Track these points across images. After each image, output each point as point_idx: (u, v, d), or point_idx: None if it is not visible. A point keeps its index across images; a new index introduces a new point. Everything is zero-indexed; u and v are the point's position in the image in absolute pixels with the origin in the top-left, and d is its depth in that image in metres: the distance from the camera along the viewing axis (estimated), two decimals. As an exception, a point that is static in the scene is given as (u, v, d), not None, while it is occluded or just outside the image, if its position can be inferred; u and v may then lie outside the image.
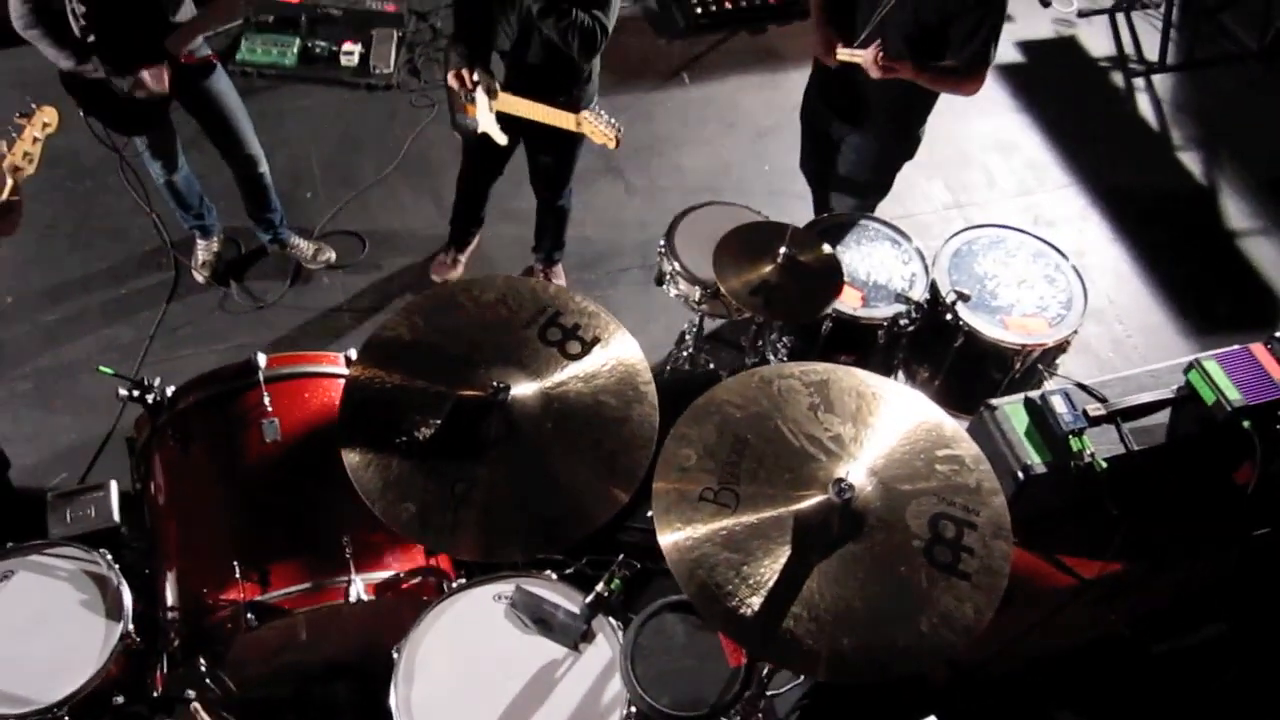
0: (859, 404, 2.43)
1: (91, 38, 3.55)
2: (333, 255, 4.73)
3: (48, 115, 3.01)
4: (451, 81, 3.79)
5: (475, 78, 3.72)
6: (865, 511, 2.27)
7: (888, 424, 2.41)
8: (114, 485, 3.30)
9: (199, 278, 4.56)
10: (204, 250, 4.58)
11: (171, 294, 4.55)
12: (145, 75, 3.59)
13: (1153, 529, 3.19)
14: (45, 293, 4.52)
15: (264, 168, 4.26)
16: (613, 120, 3.62)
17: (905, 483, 2.31)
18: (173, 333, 4.42)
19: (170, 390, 3.00)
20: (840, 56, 3.65)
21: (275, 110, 5.31)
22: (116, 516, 3.20)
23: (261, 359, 2.95)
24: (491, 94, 3.75)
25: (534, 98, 3.70)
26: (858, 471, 2.31)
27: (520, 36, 3.70)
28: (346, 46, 5.50)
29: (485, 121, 3.88)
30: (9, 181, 2.95)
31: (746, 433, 2.37)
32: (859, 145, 4.08)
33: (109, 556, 2.66)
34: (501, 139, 3.88)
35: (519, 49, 3.74)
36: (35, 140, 2.97)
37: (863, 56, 3.56)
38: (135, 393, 2.91)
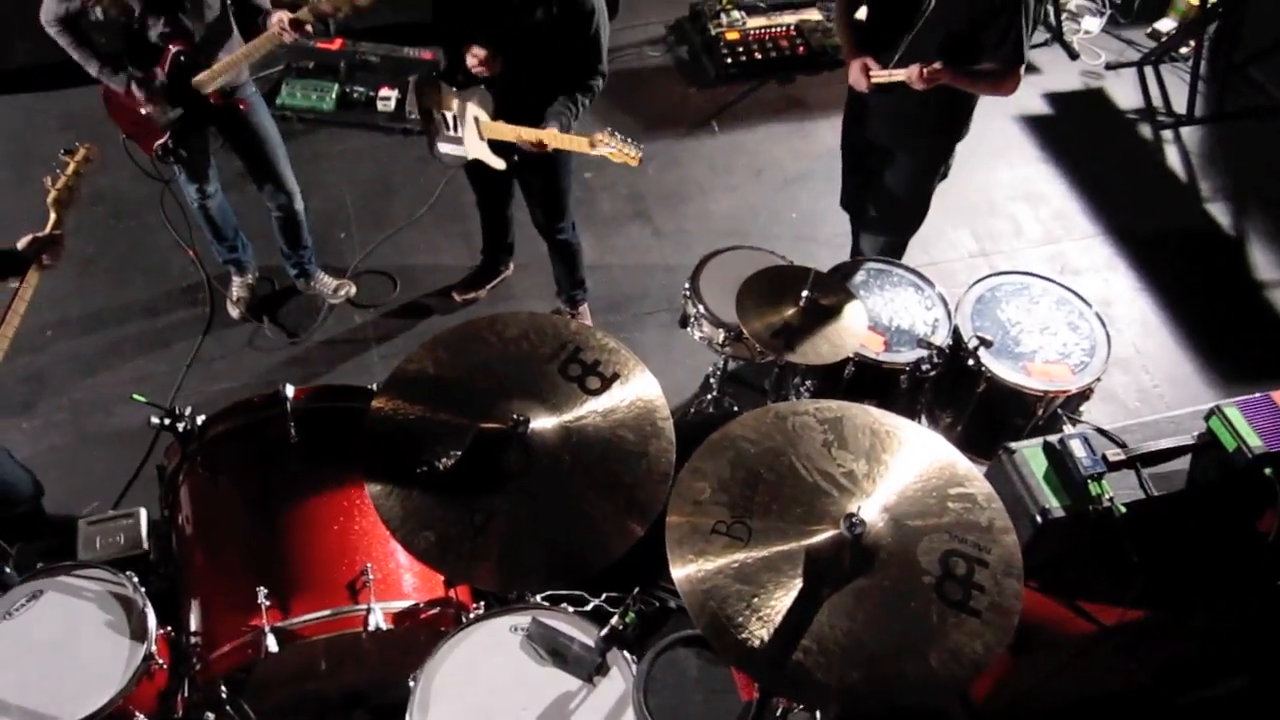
0: (872, 441, 2.45)
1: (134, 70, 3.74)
2: (353, 289, 4.82)
3: (90, 153, 3.19)
4: (469, 59, 3.77)
5: (456, 101, 3.85)
6: (877, 547, 2.28)
7: (901, 461, 2.43)
8: (143, 513, 3.37)
9: (233, 313, 4.66)
10: (238, 286, 4.68)
11: (206, 329, 4.65)
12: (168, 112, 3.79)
13: (1174, 576, 3.18)
14: (84, 326, 4.64)
15: (299, 204, 4.38)
16: (630, 139, 3.66)
17: (917, 519, 2.33)
18: (206, 366, 4.51)
19: (201, 419, 3.06)
20: (877, 80, 3.80)
21: (312, 153, 5.44)
22: (145, 543, 3.28)
23: (289, 390, 3.01)
24: (481, 124, 3.85)
25: (527, 124, 3.77)
26: (870, 507, 2.33)
27: (509, 68, 3.78)
28: (383, 92, 5.65)
29: (478, 149, 3.97)
30: (52, 215, 3.08)
31: (760, 467, 2.40)
32: (896, 166, 4.20)
33: (135, 579, 2.72)
34: (498, 164, 3.97)
35: (506, 79, 3.81)
36: (79, 175, 3.13)
37: (904, 74, 3.71)
38: (167, 421, 2.98)
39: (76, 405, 4.36)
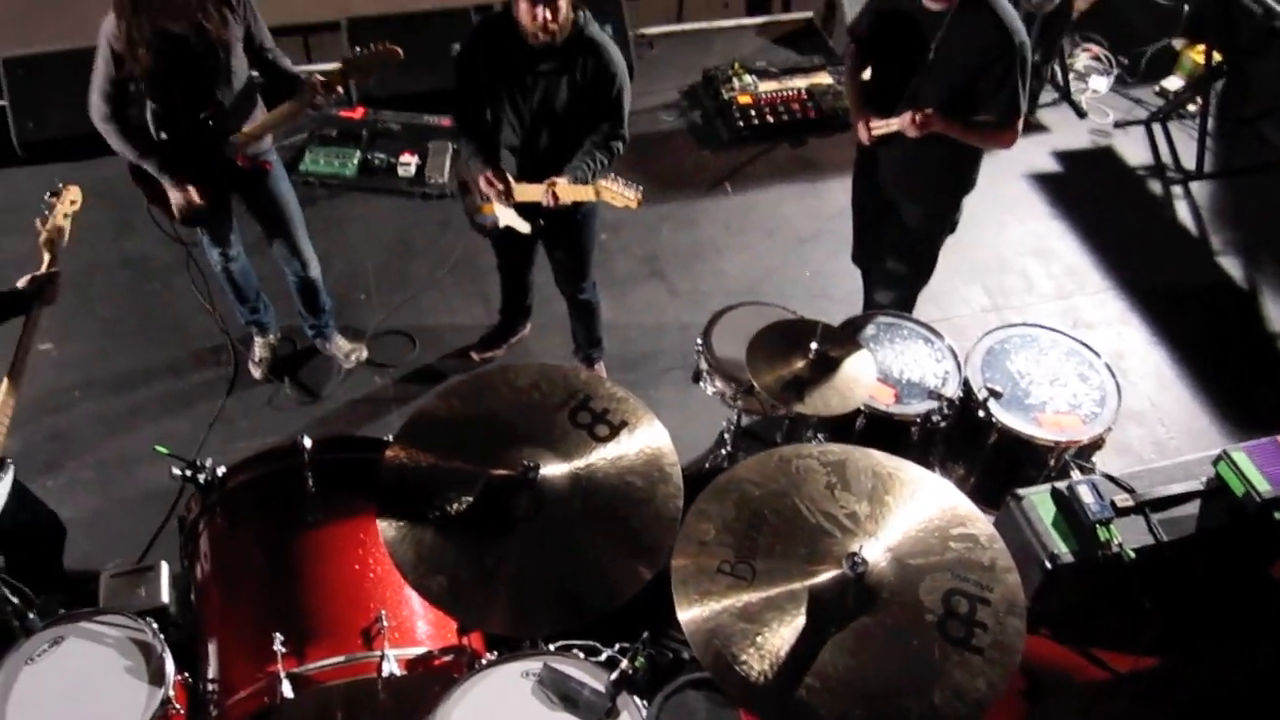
0: (875, 483, 2.50)
1: (163, 135, 3.87)
2: (364, 354, 4.90)
3: (74, 194, 3.35)
4: (484, 186, 3.97)
5: (500, 178, 3.91)
6: (879, 585, 2.32)
7: (903, 502, 2.47)
8: (165, 566, 3.43)
9: (255, 373, 4.75)
10: (260, 347, 4.78)
11: (229, 389, 4.74)
12: (191, 191, 3.92)
13: (1186, 622, 3.18)
14: (109, 387, 4.73)
15: (315, 271, 4.49)
16: (631, 182, 3.72)
17: (919, 558, 2.36)
18: (229, 425, 4.59)
19: (221, 470, 3.13)
20: (876, 131, 3.91)
21: (335, 218, 5.57)
22: (165, 597, 3.33)
23: (307, 442, 3.08)
24: (509, 192, 3.93)
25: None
26: (872, 547, 2.37)
27: (531, 132, 3.88)
28: (404, 158, 5.78)
29: (506, 215, 4.07)
30: (45, 255, 3.23)
31: (764, 509, 2.45)
32: (905, 220, 4.29)
33: (154, 625, 2.78)
34: (525, 228, 4.06)
35: (529, 143, 3.91)
36: (65, 215, 3.29)
37: (898, 123, 3.82)
38: (188, 473, 3.05)
39: (102, 464, 4.44)
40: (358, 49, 3.93)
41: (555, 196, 3.80)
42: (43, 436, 4.40)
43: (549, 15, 3.53)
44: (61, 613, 2.81)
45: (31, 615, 2.75)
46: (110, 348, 4.89)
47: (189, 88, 3.78)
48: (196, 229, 4.26)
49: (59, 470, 4.39)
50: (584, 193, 3.78)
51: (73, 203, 3.36)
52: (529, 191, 3.91)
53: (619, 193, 3.71)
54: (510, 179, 3.95)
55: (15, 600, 2.71)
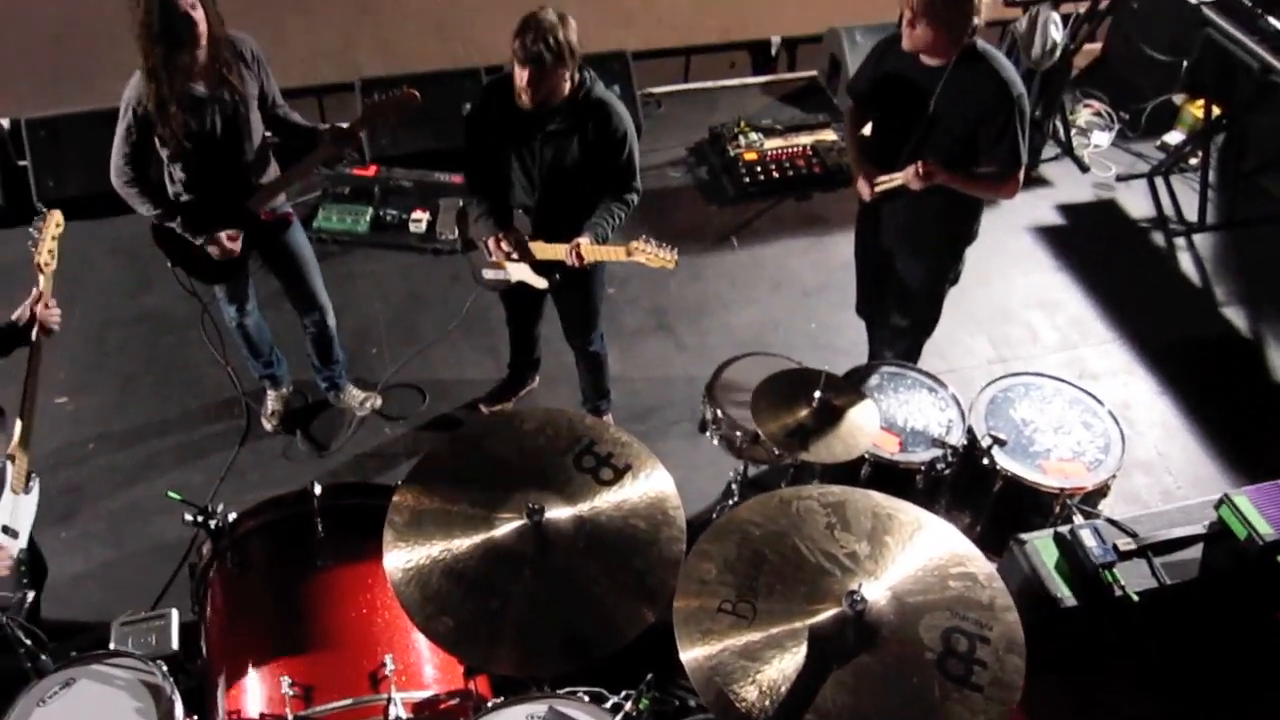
0: (874, 523, 2.53)
1: (185, 197, 3.97)
2: (379, 401, 4.97)
3: (57, 218, 3.44)
4: (494, 248, 4.05)
5: (511, 240, 3.99)
6: (879, 624, 2.34)
7: (902, 541, 2.50)
8: (175, 614, 3.45)
9: (267, 426, 4.82)
10: (273, 400, 4.85)
11: (241, 441, 4.79)
12: (222, 237, 3.98)
13: (1192, 667, 3.18)
14: (124, 440, 4.79)
15: (331, 320, 4.57)
16: (663, 243, 3.78)
17: (919, 596, 2.39)
18: (241, 477, 4.64)
19: (232, 516, 3.18)
20: (880, 187, 3.99)
21: (347, 273, 5.66)
22: (175, 644, 3.35)
23: (317, 488, 3.13)
24: (524, 249, 4.00)
25: (564, 241, 3.91)
26: (872, 586, 2.39)
27: (543, 192, 3.95)
28: (415, 215, 5.89)
29: (521, 272, 4.14)
30: (41, 279, 3.32)
31: (765, 549, 2.48)
32: (905, 269, 4.35)
33: (164, 667, 2.80)
34: (541, 284, 4.13)
35: (543, 202, 3.98)
36: (53, 238, 3.38)
37: (901, 177, 3.90)
38: (200, 518, 3.10)
39: (115, 516, 4.49)
40: (377, 94, 4.02)
41: (580, 257, 3.85)
42: (57, 489, 4.45)
43: (526, 80, 3.60)
44: (73, 655, 2.85)
45: (44, 657, 2.78)
46: (125, 401, 4.97)
47: (215, 146, 3.88)
48: (214, 287, 4.35)
49: (73, 522, 4.43)
50: (614, 253, 3.84)
51: (57, 225, 3.46)
52: (550, 250, 3.98)
53: (654, 254, 3.77)
54: (526, 239, 4.02)
55: (28, 642, 2.74)
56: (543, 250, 4.01)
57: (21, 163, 5.87)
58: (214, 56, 3.73)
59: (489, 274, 4.30)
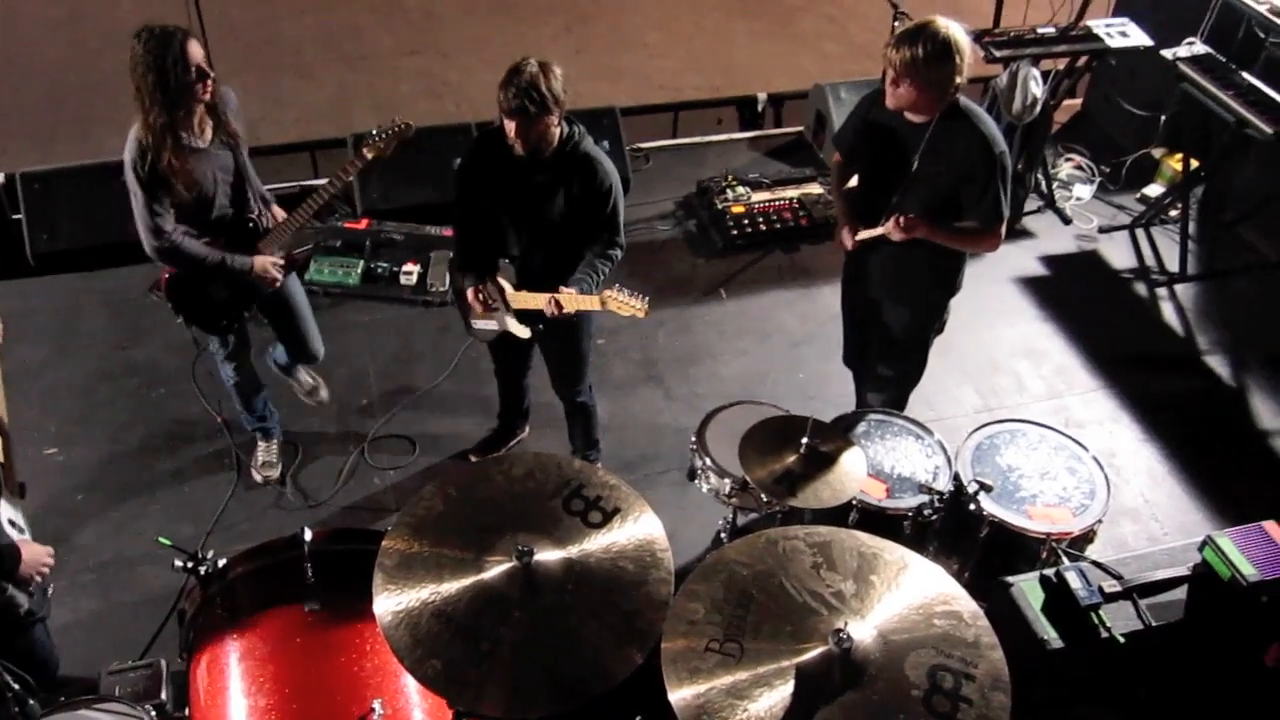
0: (860, 562, 2.55)
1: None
2: (325, 395, 5.07)
3: None
4: (471, 299, 4.14)
5: (489, 291, 4.09)
6: (865, 662, 2.36)
7: (887, 580, 2.53)
8: (164, 663, 3.46)
9: (257, 477, 4.83)
10: (264, 452, 4.87)
11: (231, 492, 4.80)
12: (269, 265, 4.14)
13: (1178, 709, 3.19)
14: (113, 491, 4.79)
15: (320, 357, 4.73)
16: (636, 292, 3.83)
17: (904, 634, 2.41)
18: (230, 528, 4.64)
19: (222, 562, 3.19)
20: (861, 237, 4.08)
21: (338, 324, 5.70)
22: (164, 694, 3.35)
23: (308, 534, 3.14)
24: (503, 298, 4.09)
25: (548, 290, 3.96)
26: (858, 624, 2.41)
27: (529, 242, 4.03)
28: (406, 267, 5.95)
29: (505, 321, 4.20)
30: None
31: (752, 589, 2.50)
32: (890, 319, 4.41)
33: (153, 712, 2.81)
34: (524, 333, 4.19)
35: (528, 253, 4.06)
36: None
37: (883, 229, 3.97)
38: (189, 564, 3.11)
39: (103, 567, 4.48)
40: (375, 129, 4.08)
41: (559, 305, 3.91)
42: (44, 539, 4.41)
43: (513, 130, 3.69)
44: (61, 699, 2.85)
45: (32, 702, 2.78)
46: (114, 453, 4.97)
47: (218, 196, 3.96)
48: (212, 342, 4.42)
49: (60, 573, 4.37)
50: (589, 303, 3.90)
51: None
52: (529, 300, 4.04)
53: (625, 302, 3.82)
54: (507, 287, 4.09)
55: (16, 687, 2.74)
56: (523, 300, 4.07)
57: (15, 216, 5.91)
58: (212, 108, 3.82)
59: (478, 324, 4.35)
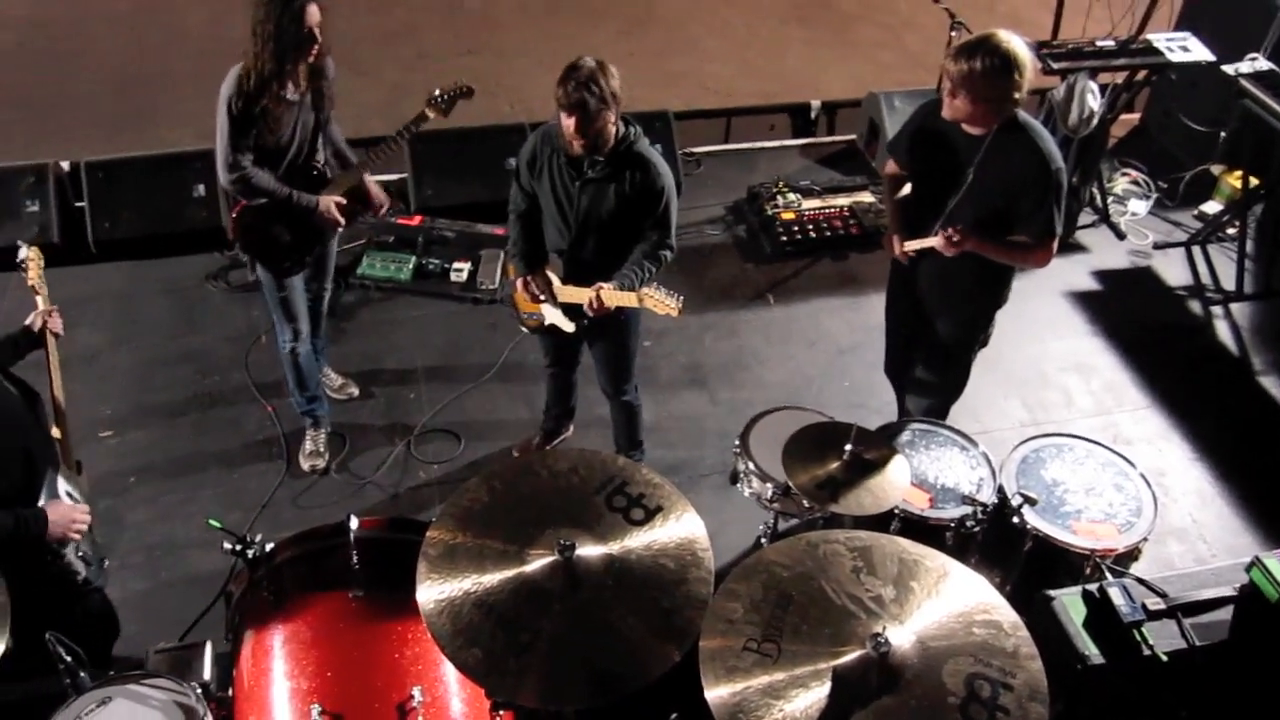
0: (900, 568, 2.55)
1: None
2: (355, 390, 5.27)
3: (34, 252, 3.77)
4: (519, 288, 4.23)
5: (538, 283, 4.17)
6: (902, 667, 2.36)
7: (927, 587, 2.52)
8: (209, 645, 3.52)
9: (304, 465, 4.91)
10: (311, 441, 4.95)
11: (280, 481, 4.88)
12: (332, 204, 4.32)
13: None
14: (164, 474, 4.90)
15: (328, 294, 4.88)
16: (673, 292, 3.86)
17: (943, 641, 2.41)
18: (276, 514, 4.72)
19: (270, 546, 3.24)
20: (908, 248, 4.05)
21: (389, 319, 5.78)
22: (207, 674, 3.41)
23: (354, 521, 3.19)
24: (550, 291, 4.16)
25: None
26: (896, 630, 2.41)
27: (578, 237, 4.06)
28: (457, 264, 6.02)
29: (551, 313, 4.26)
30: (38, 298, 3.66)
31: (791, 590, 2.51)
32: (938, 332, 4.39)
33: (199, 690, 2.86)
34: (569, 327, 4.24)
35: (576, 247, 4.09)
36: (37, 265, 3.74)
37: (932, 241, 3.95)
38: (238, 547, 3.17)
39: (152, 549, 4.57)
40: (439, 90, 4.31)
41: (600, 301, 3.95)
42: (97, 518, 4.53)
43: (572, 125, 3.72)
44: (111, 674, 2.91)
45: (83, 674, 2.84)
46: (167, 437, 5.07)
47: (294, 146, 4.16)
48: (279, 310, 4.55)
49: (110, 553, 4.49)
50: (628, 299, 3.93)
51: (38, 254, 3.78)
52: (574, 293, 4.08)
53: (661, 300, 3.84)
54: (554, 280, 4.15)
55: (68, 659, 2.80)
56: (568, 294, 4.12)
57: (79, 204, 6.05)
58: (314, 68, 4.04)
59: (525, 316, 4.42)
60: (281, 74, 3.92)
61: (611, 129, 3.81)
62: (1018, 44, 3.66)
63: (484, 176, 6.27)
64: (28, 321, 3.59)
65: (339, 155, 4.46)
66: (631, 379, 4.64)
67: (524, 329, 4.59)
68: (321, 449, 4.95)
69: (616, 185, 3.92)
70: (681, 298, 3.85)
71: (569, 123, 3.72)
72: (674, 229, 4.08)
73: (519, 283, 4.24)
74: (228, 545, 3.17)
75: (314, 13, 3.88)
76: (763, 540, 4.43)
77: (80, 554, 3.47)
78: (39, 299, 3.68)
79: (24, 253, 3.77)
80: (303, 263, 4.46)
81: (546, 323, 4.32)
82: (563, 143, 3.85)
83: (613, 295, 3.94)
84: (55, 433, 3.52)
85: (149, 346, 5.56)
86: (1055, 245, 3.96)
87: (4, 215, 5.92)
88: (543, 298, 4.21)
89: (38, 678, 2.99)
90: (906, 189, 4.30)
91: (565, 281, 4.14)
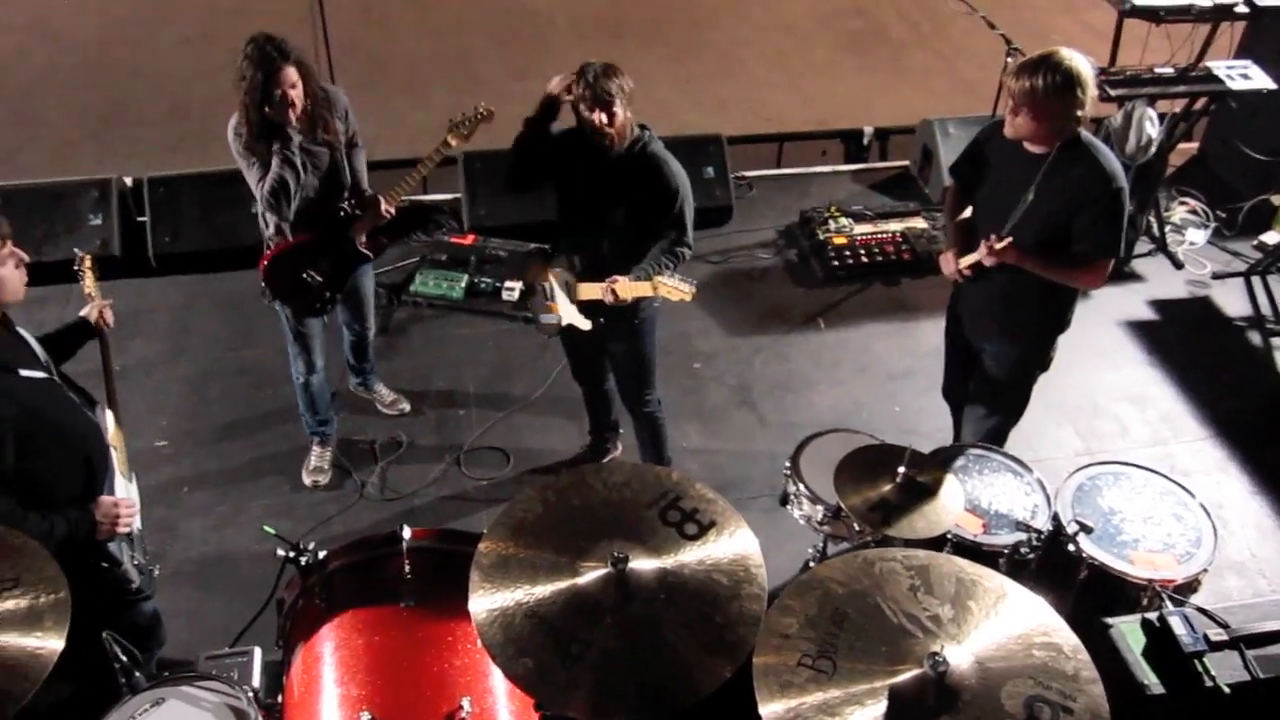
0: (958, 588, 2.52)
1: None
2: (407, 406, 5.33)
3: (88, 261, 3.83)
4: (534, 277, 4.35)
5: (556, 279, 4.26)
6: (960, 687, 2.32)
7: (986, 608, 2.49)
8: (258, 651, 3.54)
9: (307, 481, 4.98)
10: (316, 458, 5.03)
11: (331, 494, 4.93)
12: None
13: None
14: (218, 484, 4.96)
15: (371, 335, 5.03)
16: (685, 277, 3.91)
17: (1001, 663, 2.36)
18: (326, 526, 4.75)
19: (323, 554, 3.27)
20: (962, 264, 4.03)
21: (440, 337, 5.83)
22: (256, 681, 3.43)
23: (407, 531, 3.21)
24: (571, 288, 4.23)
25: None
26: (954, 649, 2.38)
27: (595, 236, 4.13)
28: (509, 283, 6.06)
29: (569, 313, 4.31)
30: (95, 294, 3.73)
31: (847, 607, 2.48)
32: (996, 354, 4.34)
33: (250, 694, 2.87)
34: (585, 325, 4.29)
35: (593, 246, 4.17)
36: (92, 271, 3.80)
37: (977, 255, 3.93)
38: (291, 555, 3.19)
39: (204, 558, 4.62)
40: (460, 115, 4.43)
41: (615, 293, 4.00)
42: (151, 526, 4.57)
43: (604, 118, 3.85)
44: (165, 675, 2.94)
45: (138, 674, 2.87)
46: (222, 448, 5.14)
47: (311, 188, 4.24)
48: (295, 344, 4.64)
49: (163, 560, 4.54)
50: (642, 288, 3.97)
51: (92, 261, 3.84)
52: (591, 290, 4.14)
53: (674, 286, 3.88)
54: (571, 279, 4.24)
55: (124, 659, 2.83)
56: (586, 291, 4.19)
57: (141, 219, 6.16)
58: (309, 113, 4.10)
59: (544, 318, 4.49)
60: (269, 127, 4.04)
61: (630, 127, 3.95)
62: (1080, 61, 3.63)
63: (534, 197, 6.28)
64: (83, 313, 3.66)
65: (357, 191, 4.50)
66: (653, 389, 4.64)
67: (544, 335, 4.65)
68: (325, 465, 5.03)
69: (631, 186, 4.00)
70: (695, 282, 3.88)
71: (598, 116, 3.85)
72: (690, 228, 4.12)
73: (535, 269, 4.38)
74: (281, 552, 3.20)
75: (288, 76, 3.95)
76: (811, 564, 4.39)
77: (135, 563, 3.51)
78: (95, 295, 3.76)
79: (79, 255, 3.84)
80: (333, 300, 4.56)
81: (564, 323, 4.38)
82: (589, 141, 3.95)
83: (627, 286, 3.98)
84: (112, 438, 3.55)
85: (206, 359, 5.65)
86: (1109, 267, 3.91)
87: (68, 228, 6.05)
88: (555, 297, 4.32)
89: (87, 679, 3.02)
90: (968, 212, 4.27)
91: (581, 279, 4.22)
